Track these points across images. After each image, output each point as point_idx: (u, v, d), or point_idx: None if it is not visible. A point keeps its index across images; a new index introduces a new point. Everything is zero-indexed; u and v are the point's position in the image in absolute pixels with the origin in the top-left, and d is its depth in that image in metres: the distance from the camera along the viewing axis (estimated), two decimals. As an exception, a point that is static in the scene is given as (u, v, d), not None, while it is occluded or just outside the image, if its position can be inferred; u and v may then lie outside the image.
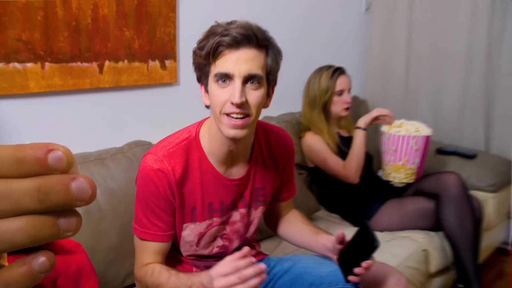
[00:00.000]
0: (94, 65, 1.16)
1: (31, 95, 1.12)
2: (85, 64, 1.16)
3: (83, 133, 1.26)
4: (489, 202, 1.78)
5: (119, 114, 1.33)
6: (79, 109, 1.24)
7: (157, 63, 1.24)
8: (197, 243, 0.91)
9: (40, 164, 0.21)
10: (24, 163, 0.21)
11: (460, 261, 1.43)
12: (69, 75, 1.14)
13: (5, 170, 0.21)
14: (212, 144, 0.87)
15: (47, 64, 1.10)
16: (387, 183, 1.62)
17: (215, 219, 0.90)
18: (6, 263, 0.23)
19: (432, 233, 1.52)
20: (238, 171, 0.91)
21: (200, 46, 0.81)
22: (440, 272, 1.54)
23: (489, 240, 1.76)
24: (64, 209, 0.22)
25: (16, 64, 1.06)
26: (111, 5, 1.16)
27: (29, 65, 1.08)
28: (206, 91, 0.84)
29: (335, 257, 0.91)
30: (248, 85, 0.81)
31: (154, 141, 0.99)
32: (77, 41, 1.14)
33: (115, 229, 1.10)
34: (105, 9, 1.17)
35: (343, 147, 1.60)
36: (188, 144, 0.87)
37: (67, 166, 0.21)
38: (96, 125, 1.29)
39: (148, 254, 0.87)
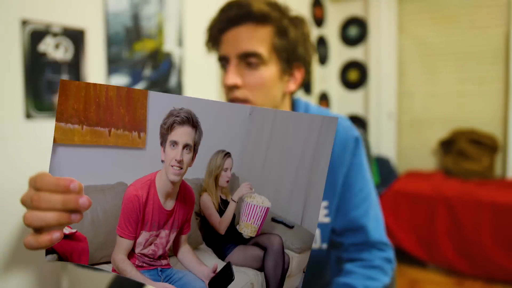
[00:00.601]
0: (106, 130, 1.30)
1: (74, 145, 1.50)
2: (102, 129, 1.30)
3: (96, 172, 1.64)
4: (294, 259, 2.23)
5: (115, 162, 1.70)
6: (96, 157, 1.59)
7: (136, 134, 1.64)
8: (143, 245, 1.22)
9: (66, 188, 0.44)
10: (59, 186, 0.44)
11: None
12: (94, 135, 1.32)
13: (50, 188, 0.44)
14: (160, 185, 1.07)
15: (84, 127, 1.28)
16: (240, 234, 2.02)
17: (154, 232, 1.15)
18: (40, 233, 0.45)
19: (259, 273, 1.96)
20: (169, 205, 1.13)
21: (164, 123, 0.96)
22: (258, 302, 2.02)
23: (288, 285, 2.14)
24: (74, 210, 0.44)
25: (69, 125, 1.24)
26: (114, 89, 1.61)
27: (76, 126, 1.31)
28: (164, 151, 1.00)
29: (207, 281, 1.13)
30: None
31: (129, 182, 1.16)
32: (98, 112, 1.52)
33: (105, 233, 1.51)
34: (110, 92, 1.54)
35: (222, 206, 2.00)
36: (150, 183, 1.07)
37: (78, 190, 0.44)
38: (103, 168, 1.66)
39: (122, 247, 1.09)
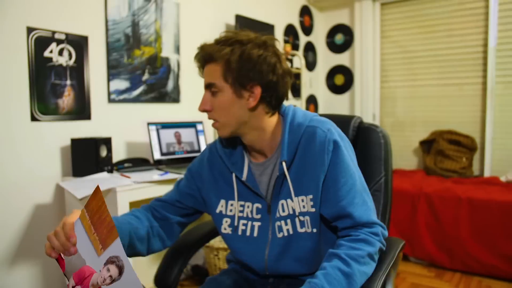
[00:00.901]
0: (94, 232, 1.10)
1: (82, 225, 1.85)
2: (93, 229, 1.16)
3: (82, 247, 1.67)
4: None
5: (88, 250, 1.57)
6: (85, 240, 1.60)
7: (101, 246, 1.43)
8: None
9: (68, 238, 0.82)
10: (66, 234, 0.82)
11: None
12: (89, 229, 1.13)
13: (63, 231, 0.83)
14: (93, 279, 1.00)
15: (89, 220, 1.10)
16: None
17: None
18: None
19: None
20: None
21: (110, 256, 0.93)
22: None
23: None
24: (67, 249, 0.83)
25: (87, 214, 1.14)
26: (110, 217, 1.29)
27: (88, 217, 1.13)
28: (103, 267, 0.96)
29: None
30: None
31: (89, 264, 1.13)
32: (98, 220, 1.08)
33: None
34: (107, 217, 1.89)
35: None
36: (91, 274, 0.98)
37: (73, 243, 0.83)
38: (84, 248, 1.73)
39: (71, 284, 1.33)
